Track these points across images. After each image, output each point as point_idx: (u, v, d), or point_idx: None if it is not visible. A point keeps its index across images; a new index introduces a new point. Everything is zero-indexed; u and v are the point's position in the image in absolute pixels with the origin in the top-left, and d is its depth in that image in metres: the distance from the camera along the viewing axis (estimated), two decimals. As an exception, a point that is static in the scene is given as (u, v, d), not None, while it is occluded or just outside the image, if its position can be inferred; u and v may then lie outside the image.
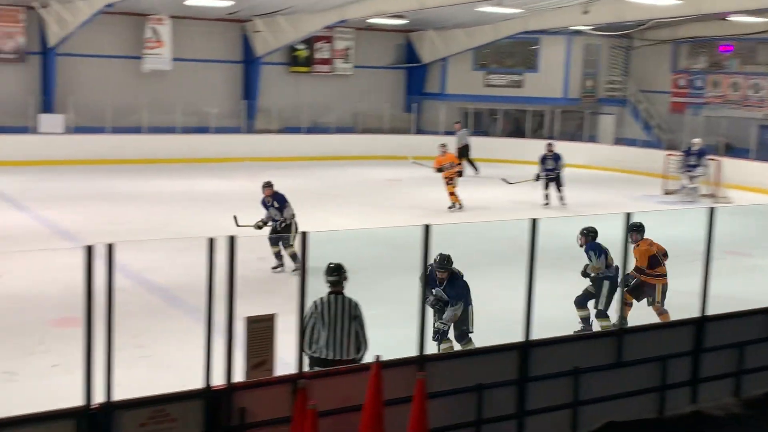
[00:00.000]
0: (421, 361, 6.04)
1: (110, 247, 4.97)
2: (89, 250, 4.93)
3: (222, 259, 5.33)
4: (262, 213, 12.09)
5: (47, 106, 24.82)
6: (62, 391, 5.56)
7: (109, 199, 18.03)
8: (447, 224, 14.60)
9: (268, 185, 12.16)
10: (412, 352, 6.11)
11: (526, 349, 6.52)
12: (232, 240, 5.40)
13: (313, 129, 28.44)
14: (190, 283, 10.83)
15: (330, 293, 6.38)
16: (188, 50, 26.97)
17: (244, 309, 5.54)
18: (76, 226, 14.66)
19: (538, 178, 18.59)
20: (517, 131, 29.98)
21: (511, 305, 6.94)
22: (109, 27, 25.49)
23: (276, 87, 28.85)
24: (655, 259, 9.31)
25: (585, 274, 9.31)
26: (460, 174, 18.10)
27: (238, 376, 5.47)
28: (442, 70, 31.15)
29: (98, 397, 4.96)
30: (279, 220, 11.91)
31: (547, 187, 18.52)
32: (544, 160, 18.64)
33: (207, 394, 5.31)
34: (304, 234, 5.70)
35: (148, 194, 19.08)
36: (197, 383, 5.34)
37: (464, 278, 7.81)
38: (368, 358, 6.67)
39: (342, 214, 17.11)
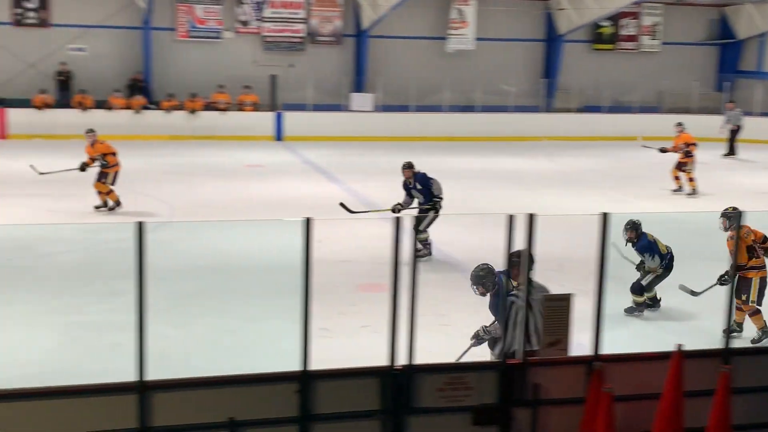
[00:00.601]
0: (726, 353, 5.71)
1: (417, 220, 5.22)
2: (397, 221, 5.21)
3: (520, 236, 5.40)
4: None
5: (359, 86, 26.45)
6: (369, 350, 5.96)
7: (411, 175, 18.84)
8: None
9: (407, 166, 11.31)
10: (712, 344, 5.82)
11: None
12: (531, 217, 5.44)
13: (615, 108, 27.61)
14: (486, 259, 11.10)
15: (526, 282, 6.03)
16: (491, 30, 27.33)
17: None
18: (382, 199, 15.51)
19: None
20: None
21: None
22: (417, 9, 26.53)
23: (577, 65, 28.38)
24: (752, 250, 8.20)
25: (645, 271, 9.03)
26: (687, 155, 16.72)
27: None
28: (759, 47, 28.79)
29: (401, 359, 5.26)
30: (424, 202, 11.00)
31: None
32: None
33: (502, 367, 5.43)
34: (604, 215, 5.59)
35: (447, 171, 19.61)
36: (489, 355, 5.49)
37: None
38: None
39: (642, 197, 16.51)
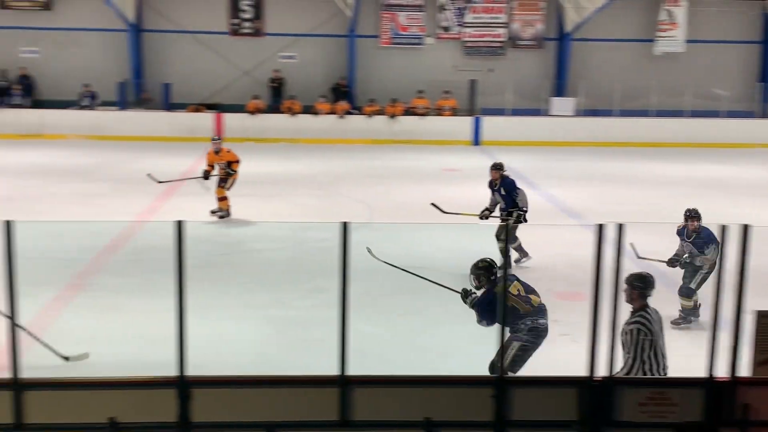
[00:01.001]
0: None
1: (620, 227, 5.07)
2: (600, 228, 5.08)
3: (732, 248, 5.11)
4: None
5: (559, 90, 26.05)
6: (568, 359, 5.86)
7: (612, 181, 18.34)
8: None
9: (496, 167, 11.02)
10: None
11: None
12: (745, 229, 5.14)
13: None
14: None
15: (644, 307, 5.89)
16: (703, 31, 26.07)
17: (755, 302, 5.27)
18: (580, 205, 15.22)
19: None
20: None
21: None
22: (623, 11, 25.77)
23: (798, 68, 26.50)
24: None
25: (684, 264, 8.55)
26: None
27: (744, 370, 5.23)
28: None
29: (600, 371, 5.13)
30: (505, 208, 10.64)
31: None
32: None
33: (709, 384, 5.17)
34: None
35: (651, 177, 18.99)
36: (695, 371, 5.23)
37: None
38: None
39: None
